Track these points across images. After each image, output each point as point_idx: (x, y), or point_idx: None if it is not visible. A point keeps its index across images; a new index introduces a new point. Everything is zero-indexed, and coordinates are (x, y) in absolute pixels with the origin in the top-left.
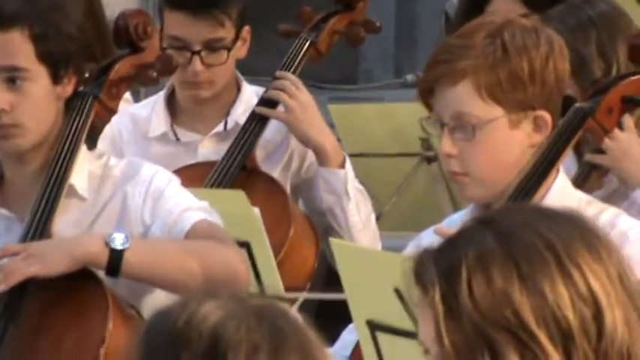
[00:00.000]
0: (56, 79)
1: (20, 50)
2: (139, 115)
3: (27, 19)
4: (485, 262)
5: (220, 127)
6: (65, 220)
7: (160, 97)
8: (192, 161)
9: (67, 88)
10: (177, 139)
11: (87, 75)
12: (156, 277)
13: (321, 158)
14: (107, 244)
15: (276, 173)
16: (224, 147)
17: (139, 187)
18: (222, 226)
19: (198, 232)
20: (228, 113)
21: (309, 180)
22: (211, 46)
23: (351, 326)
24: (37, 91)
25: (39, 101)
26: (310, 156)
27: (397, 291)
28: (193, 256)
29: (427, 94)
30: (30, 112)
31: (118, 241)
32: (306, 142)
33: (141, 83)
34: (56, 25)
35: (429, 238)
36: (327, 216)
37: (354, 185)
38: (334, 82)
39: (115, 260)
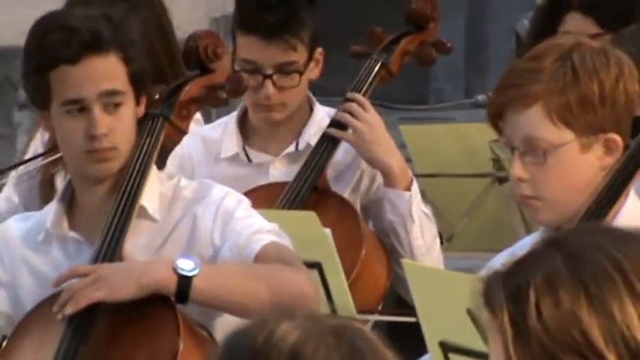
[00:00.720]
0: (138, 100)
1: (118, 73)
2: (209, 136)
3: (119, 42)
4: (553, 284)
5: (292, 148)
6: (136, 242)
7: (231, 118)
8: (264, 182)
9: (142, 108)
10: (249, 160)
11: (157, 96)
12: (224, 302)
13: (388, 179)
14: (175, 270)
15: (345, 194)
16: (295, 167)
17: (209, 209)
18: (292, 249)
19: (267, 255)
20: (299, 134)
21: (378, 201)
22: (283, 69)
23: (425, 357)
24: (129, 112)
25: (130, 123)
26: (380, 177)
27: (469, 312)
28: (260, 280)
29: (496, 118)
30: (123, 134)
31: (187, 268)
32: (373, 163)
33: (211, 104)
34: (137, 47)
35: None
36: (390, 237)
37: (419, 208)
38: (405, 103)
39: (183, 287)
